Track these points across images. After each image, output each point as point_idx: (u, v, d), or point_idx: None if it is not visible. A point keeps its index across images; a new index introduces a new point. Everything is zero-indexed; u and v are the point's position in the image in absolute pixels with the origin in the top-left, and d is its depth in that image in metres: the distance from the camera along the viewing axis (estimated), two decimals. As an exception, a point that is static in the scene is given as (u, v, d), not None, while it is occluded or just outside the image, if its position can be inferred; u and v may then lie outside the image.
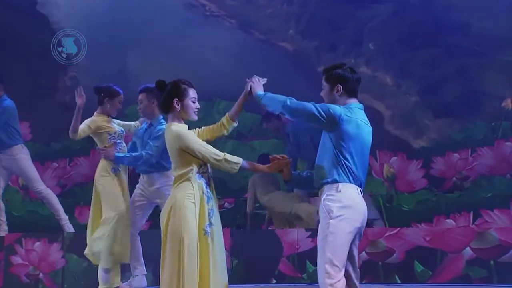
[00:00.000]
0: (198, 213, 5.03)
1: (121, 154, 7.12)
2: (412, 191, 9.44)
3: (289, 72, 8.68)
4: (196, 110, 5.26)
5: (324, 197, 4.94)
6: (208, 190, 5.13)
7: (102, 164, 7.18)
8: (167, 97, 5.21)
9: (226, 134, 5.55)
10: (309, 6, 9.56)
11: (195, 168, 5.08)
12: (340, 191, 4.91)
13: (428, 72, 8.08)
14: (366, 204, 5.03)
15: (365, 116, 5.08)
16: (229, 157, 5.09)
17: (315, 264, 8.05)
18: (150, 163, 7.09)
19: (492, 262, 7.95)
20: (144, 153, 7.04)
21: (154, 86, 6.82)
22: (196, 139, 5.12)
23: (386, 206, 9.21)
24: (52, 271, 8.45)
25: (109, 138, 7.21)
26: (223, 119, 5.47)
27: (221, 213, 5.30)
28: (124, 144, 7.34)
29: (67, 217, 9.01)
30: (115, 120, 7.43)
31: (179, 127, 5.14)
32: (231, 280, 7.92)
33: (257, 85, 5.32)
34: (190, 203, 5.01)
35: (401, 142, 8.59)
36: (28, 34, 10.33)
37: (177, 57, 10.00)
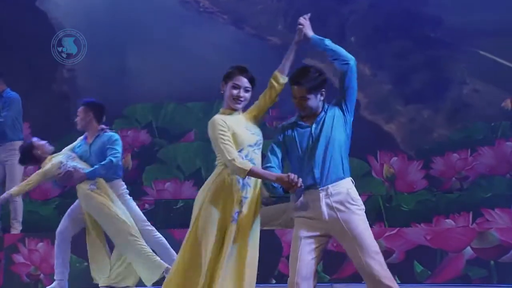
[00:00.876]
0: (226, 200, 4.99)
1: (90, 169, 7.15)
2: (412, 192, 9.44)
3: (277, 64, 8.89)
4: (235, 97, 5.12)
5: (347, 190, 4.93)
6: (246, 179, 5.00)
7: (80, 191, 7.18)
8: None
9: (279, 91, 5.29)
10: (296, 2, 9.94)
11: None
12: (354, 183, 4.99)
13: (400, 62, 8.60)
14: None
15: None
16: (239, 161, 4.93)
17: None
18: (119, 166, 7.28)
19: (492, 262, 7.95)
20: (111, 158, 7.12)
21: (91, 101, 7.26)
22: (221, 132, 5.03)
23: (385, 206, 9.21)
24: (53, 273, 8.42)
25: (61, 168, 7.20)
26: (271, 78, 5.28)
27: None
28: (80, 165, 7.28)
29: (20, 225, 8.92)
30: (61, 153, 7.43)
31: (216, 116, 5.11)
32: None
33: (309, 27, 5.25)
34: (214, 187, 5.01)
35: (374, 126, 8.98)
36: (26, 29, 10.31)
37: (175, 56, 10.07)
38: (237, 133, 5.03)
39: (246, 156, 5.03)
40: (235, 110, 5.13)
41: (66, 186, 7.27)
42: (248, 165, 4.91)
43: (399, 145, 9.14)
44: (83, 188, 7.15)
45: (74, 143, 7.52)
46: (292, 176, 4.76)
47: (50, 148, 7.47)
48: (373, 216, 8.69)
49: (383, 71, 8.93)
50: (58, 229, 7.37)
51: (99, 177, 7.16)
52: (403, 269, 7.93)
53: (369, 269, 4.87)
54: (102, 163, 7.14)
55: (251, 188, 5.07)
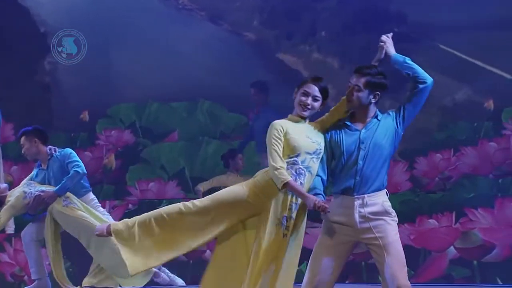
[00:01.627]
0: (269, 199, 4.97)
1: (58, 186, 7.10)
2: (395, 192, 9.47)
3: (252, 59, 9.46)
4: (302, 104, 5.07)
5: (382, 201, 4.88)
6: (299, 183, 4.96)
7: (55, 212, 7.10)
8: None
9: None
10: (271, -1, 10.23)
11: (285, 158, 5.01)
12: (388, 195, 4.96)
13: (366, 55, 8.70)
14: None
15: None
16: (280, 171, 4.92)
17: (299, 264, 8.09)
18: (85, 178, 7.27)
19: (475, 262, 7.99)
20: (75, 169, 7.11)
21: (30, 128, 7.24)
22: (274, 137, 5.01)
23: (369, 207, 9.22)
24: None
25: (27, 197, 7.13)
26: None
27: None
28: (45, 188, 7.22)
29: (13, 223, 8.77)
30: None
31: (277, 120, 5.09)
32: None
33: (391, 45, 5.20)
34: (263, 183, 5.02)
35: None
36: (7, 23, 10.30)
37: (155, 52, 10.14)
38: (295, 138, 4.99)
39: (303, 162, 4.98)
40: (301, 117, 5.09)
41: (37, 213, 7.15)
42: (287, 178, 4.89)
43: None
44: (57, 208, 7.06)
45: (30, 175, 7.47)
46: (319, 204, 4.77)
47: (4, 185, 7.30)
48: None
49: (350, 64, 9.14)
50: (23, 232, 7.39)
51: (68, 192, 7.09)
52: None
53: (395, 281, 4.84)
54: (68, 176, 7.09)
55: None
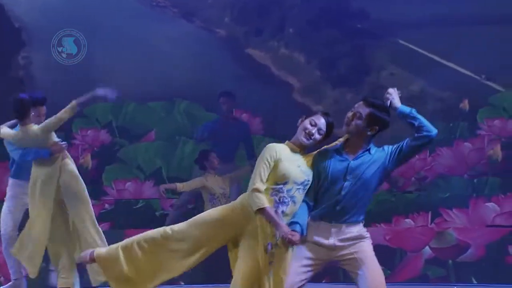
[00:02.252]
0: (261, 226, 4.94)
1: None
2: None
3: (223, 55, 9.83)
4: (308, 132, 5.05)
5: (357, 231, 4.92)
6: (280, 211, 4.97)
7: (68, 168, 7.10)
8: None
9: None
10: (242, -4, 10.52)
11: (269, 185, 4.96)
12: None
13: (329, 51, 9.52)
14: None
15: None
16: (258, 195, 4.92)
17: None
18: None
19: (450, 261, 8.05)
20: None
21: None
22: (266, 159, 4.99)
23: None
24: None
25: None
26: None
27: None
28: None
29: None
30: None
31: (275, 144, 5.08)
32: (191, 280, 7.98)
33: (397, 97, 5.05)
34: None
35: (305, 107, 9.54)
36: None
37: (131, 49, 10.15)
38: (286, 166, 4.97)
39: (289, 190, 4.97)
40: (300, 148, 5.07)
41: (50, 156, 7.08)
42: (264, 204, 4.89)
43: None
44: (71, 167, 7.04)
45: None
46: (286, 237, 4.81)
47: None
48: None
49: (315, 59, 9.64)
50: (2, 231, 7.31)
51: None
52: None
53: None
54: None
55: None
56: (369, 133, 4.93)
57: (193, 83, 9.75)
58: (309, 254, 4.92)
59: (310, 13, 9.89)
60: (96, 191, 9.85)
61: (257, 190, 4.90)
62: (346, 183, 4.88)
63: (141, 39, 10.18)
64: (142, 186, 10.04)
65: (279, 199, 4.97)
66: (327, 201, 4.91)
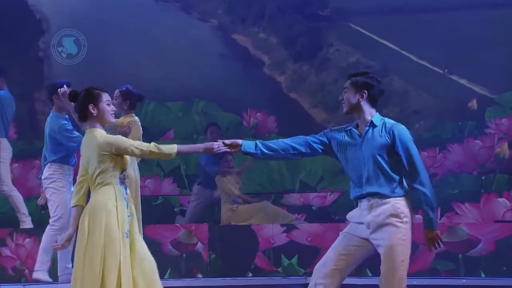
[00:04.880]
0: (119, 217, 5.07)
1: None
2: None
3: (215, 41, 11.20)
4: (112, 112, 5.27)
5: (392, 204, 5.07)
6: (127, 196, 5.17)
7: None
8: (82, 104, 5.22)
9: None
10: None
11: (117, 173, 5.12)
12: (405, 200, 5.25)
13: (292, 32, 11.07)
14: None
15: None
16: (159, 145, 5.13)
17: (289, 258, 8.27)
18: None
19: (460, 255, 8.13)
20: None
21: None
22: (124, 138, 5.24)
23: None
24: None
25: None
26: None
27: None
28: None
29: (29, 218, 8.83)
30: None
31: (105, 133, 5.18)
32: (208, 274, 8.19)
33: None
34: (112, 207, 5.07)
35: (276, 84, 10.93)
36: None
37: (139, 43, 10.59)
38: None
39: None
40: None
41: None
42: (174, 145, 5.12)
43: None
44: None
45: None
46: (217, 144, 5.02)
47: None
48: (347, 212, 8.85)
49: (283, 40, 11.11)
50: (60, 214, 7.31)
51: None
52: (375, 261, 8.10)
53: (388, 284, 5.05)
54: None
55: (131, 205, 5.21)
56: (360, 99, 5.07)
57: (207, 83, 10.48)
58: (349, 235, 5.09)
59: (279, 2, 11.24)
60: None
61: (153, 145, 5.10)
62: (363, 161, 5.04)
63: (155, 38, 10.73)
64: (161, 183, 10.23)
65: (126, 184, 5.20)
66: (355, 181, 5.11)
